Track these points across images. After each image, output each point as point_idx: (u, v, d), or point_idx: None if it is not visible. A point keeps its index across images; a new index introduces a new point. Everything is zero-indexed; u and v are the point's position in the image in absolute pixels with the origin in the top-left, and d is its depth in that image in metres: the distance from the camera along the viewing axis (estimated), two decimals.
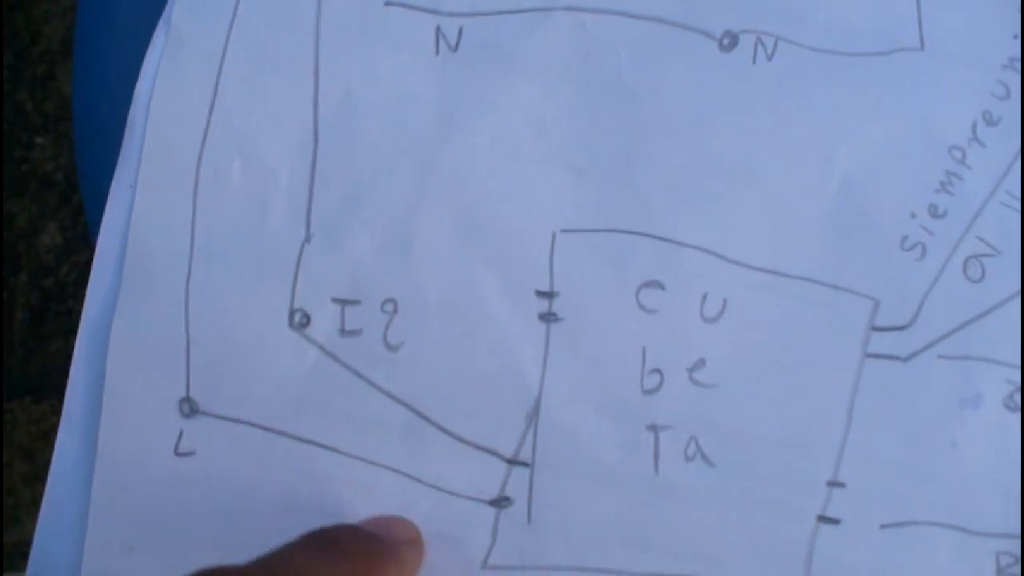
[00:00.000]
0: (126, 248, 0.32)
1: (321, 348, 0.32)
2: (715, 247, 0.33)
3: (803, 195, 0.33)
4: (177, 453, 0.32)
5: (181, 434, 0.32)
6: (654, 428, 0.32)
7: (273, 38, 0.33)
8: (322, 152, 0.33)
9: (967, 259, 0.33)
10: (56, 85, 0.66)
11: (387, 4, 0.34)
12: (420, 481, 0.32)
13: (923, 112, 0.33)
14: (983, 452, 0.32)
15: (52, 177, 0.61)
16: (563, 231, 0.33)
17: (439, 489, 0.32)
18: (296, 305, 0.32)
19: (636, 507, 0.32)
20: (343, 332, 0.32)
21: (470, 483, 0.32)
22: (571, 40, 0.33)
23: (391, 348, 0.32)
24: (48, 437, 0.53)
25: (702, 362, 0.32)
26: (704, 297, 0.32)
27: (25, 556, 0.32)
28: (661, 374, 0.32)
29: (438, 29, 0.33)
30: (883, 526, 0.32)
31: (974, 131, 0.33)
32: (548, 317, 0.32)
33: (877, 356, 0.32)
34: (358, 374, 0.32)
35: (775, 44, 0.33)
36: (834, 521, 0.32)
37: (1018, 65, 0.34)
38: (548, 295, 0.32)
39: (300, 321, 0.32)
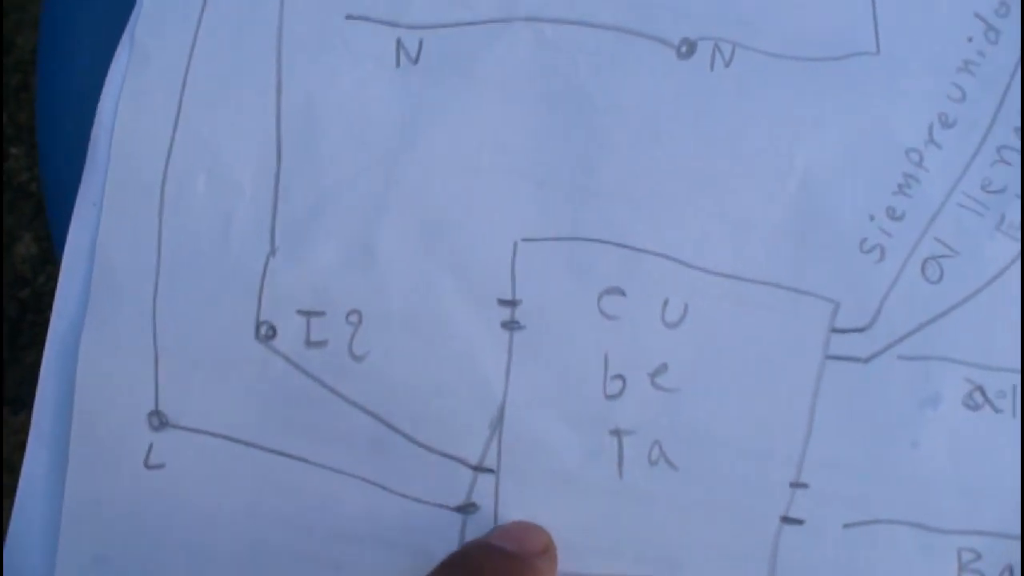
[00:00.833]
0: (93, 264, 0.33)
1: (287, 359, 0.33)
2: (675, 253, 0.33)
3: (762, 200, 0.33)
4: (147, 466, 0.32)
5: (151, 447, 0.33)
6: (617, 433, 0.33)
7: (236, 52, 0.34)
8: (285, 165, 0.33)
9: (925, 260, 0.33)
10: (29, 96, 0.66)
11: (348, 17, 0.34)
12: (387, 489, 0.33)
13: (880, 115, 0.34)
14: (943, 451, 0.33)
15: (27, 188, 0.61)
16: (524, 240, 0.33)
17: (406, 496, 0.33)
18: (262, 317, 0.33)
19: (601, 511, 0.33)
20: (309, 343, 0.33)
21: (437, 490, 0.33)
22: (530, 50, 0.34)
23: (357, 358, 0.33)
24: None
25: (664, 367, 0.33)
26: (665, 303, 0.33)
27: None
28: (624, 380, 0.33)
29: (399, 42, 0.34)
30: (846, 525, 0.33)
31: (931, 134, 0.34)
32: (511, 325, 0.33)
33: (838, 358, 0.33)
34: (324, 385, 0.32)
35: (733, 50, 0.34)
36: (798, 522, 0.32)
37: (973, 68, 0.34)
38: (511, 303, 0.33)
39: (266, 333, 0.33)
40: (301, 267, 0.33)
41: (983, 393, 0.33)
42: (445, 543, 0.32)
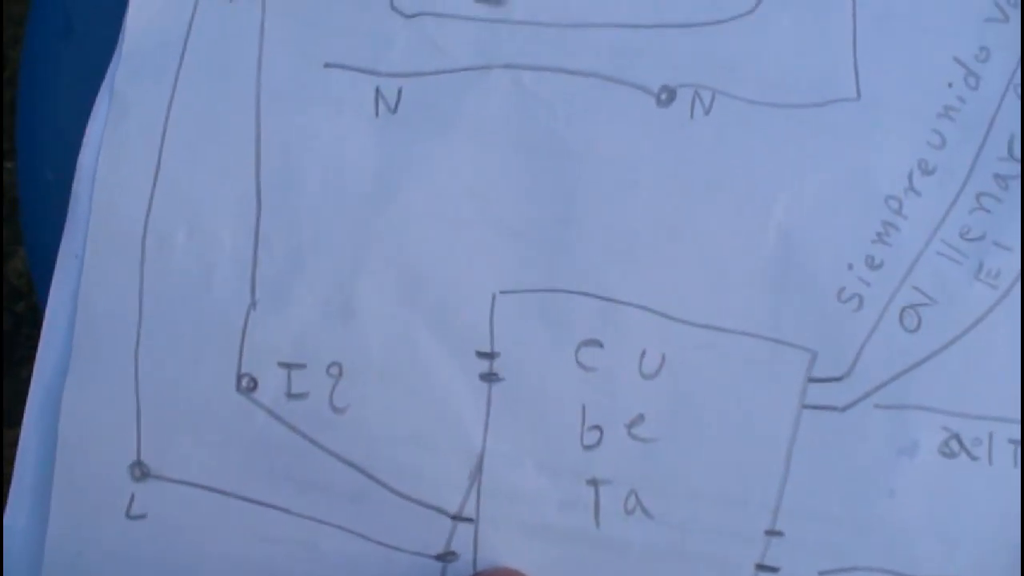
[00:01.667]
0: (75, 316, 0.33)
1: (269, 411, 0.33)
2: (652, 304, 0.33)
3: (741, 249, 0.33)
4: (129, 516, 0.33)
5: (133, 497, 0.33)
6: (594, 483, 0.33)
7: (214, 102, 0.34)
8: (265, 217, 0.33)
9: (903, 309, 0.33)
10: None
11: (326, 65, 0.34)
12: (367, 538, 0.33)
13: (860, 162, 0.34)
14: (920, 499, 0.33)
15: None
16: (502, 292, 0.33)
17: (386, 546, 0.33)
18: (243, 370, 0.33)
19: (578, 559, 0.33)
20: (290, 395, 0.33)
21: (417, 539, 0.33)
22: (509, 98, 0.34)
23: (337, 410, 0.33)
24: None
25: (641, 418, 0.33)
26: (642, 354, 0.33)
27: None
28: (601, 430, 0.33)
29: (377, 91, 0.34)
30: (822, 573, 0.33)
31: (910, 181, 0.34)
32: (489, 377, 0.33)
33: (814, 407, 0.33)
34: (305, 436, 0.33)
35: (712, 97, 0.34)
36: (772, 569, 0.33)
37: (953, 114, 0.34)
38: (489, 356, 0.33)
39: (247, 385, 0.33)
40: (281, 319, 0.33)
41: (959, 441, 0.33)
42: None
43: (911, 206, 0.34)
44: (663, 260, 0.33)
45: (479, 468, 0.33)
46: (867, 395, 0.33)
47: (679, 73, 0.34)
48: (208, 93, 0.34)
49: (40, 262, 0.34)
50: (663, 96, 0.34)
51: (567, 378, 0.33)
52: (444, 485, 0.33)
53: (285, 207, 0.33)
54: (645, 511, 0.33)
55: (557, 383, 0.33)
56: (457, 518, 0.33)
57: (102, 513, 0.33)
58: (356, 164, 0.33)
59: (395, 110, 0.34)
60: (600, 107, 0.34)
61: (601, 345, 0.33)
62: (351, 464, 0.33)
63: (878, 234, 0.34)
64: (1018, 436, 0.33)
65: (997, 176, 0.34)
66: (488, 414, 0.33)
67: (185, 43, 0.34)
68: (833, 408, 0.33)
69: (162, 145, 0.33)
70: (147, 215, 0.33)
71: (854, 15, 0.34)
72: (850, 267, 0.33)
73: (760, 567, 0.33)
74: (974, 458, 0.33)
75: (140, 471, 0.33)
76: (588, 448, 0.33)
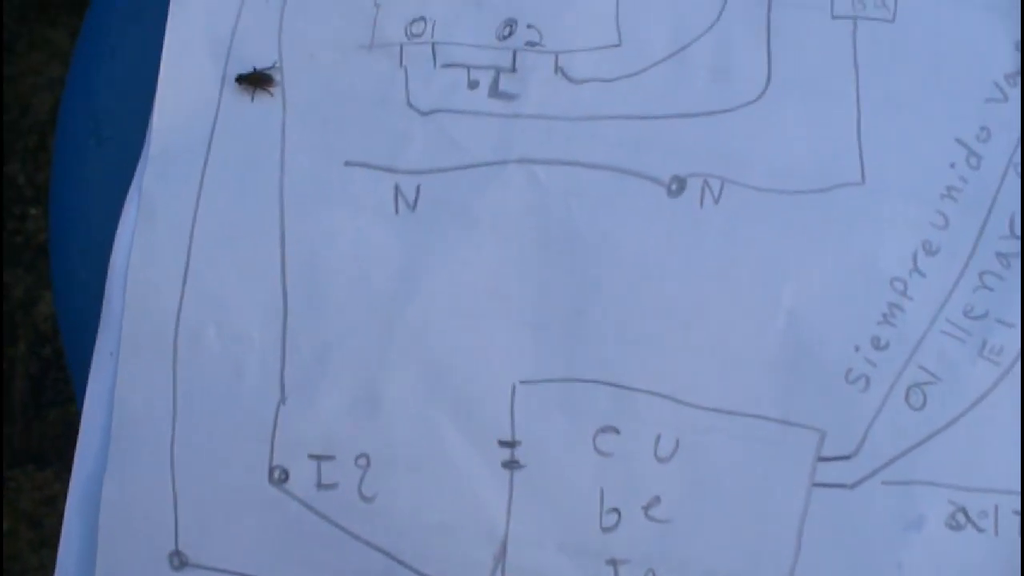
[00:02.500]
0: (112, 411, 0.34)
1: (301, 502, 0.34)
2: (666, 390, 0.34)
3: (750, 334, 0.34)
4: None
5: None
6: (613, 563, 0.34)
7: (239, 202, 0.35)
8: (292, 314, 0.34)
9: (909, 388, 0.34)
10: (47, 156, 0.67)
11: (347, 164, 0.35)
12: None
13: (866, 245, 0.35)
14: (928, 571, 0.34)
15: (47, 247, 0.62)
16: (522, 382, 0.34)
17: None
18: (275, 462, 0.34)
19: None
20: (320, 486, 0.34)
21: None
22: (524, 192, 0.35)
23: (366, 499, 0.34)
24: (53, 503, 0.55)
25: (657, 499, 0.34)
26: (657, 439, 0.34)
27: None
28: (619, 512, 0.34)
29: (396, 188, 0.35)
30: None
31: (915, 262, 0.35)
32: (511, 465, 0.34)
33: (824, 485, 0.34)
34: (336, 525, 0.34)
35: (721, 186, 0.35)
36: None
37: (956, 194, 0.35)
38: (510, 444, 0.34)
39: (279, 477, 0.34)
40: (310, 413, 0.34)
41: (966, 514, 0.34)
42: None
43: (916, 287, 0.35)
44: (676, 347, 0.34)
45: (503, 552, 0.34)
46: (875, 472, 0.34)
47: (689, 162, 0.35)
48: (233, 193, 0.35)
49: (77, 360, 0.36)
50: (674, 187, 0.35)
51: (586, 463, 0.34)
52: (470, 568, 0.34)
53: (310, 305, 0.34)
54: None
55: (576, 468, 0.34)
56: None
57: None
58: (378, 262, 0.35)
59: (414, 207, 0.35)
60: (613, 200, 0.35)
61: (618, 431, 0.34)
62: (380, 550, 0.34)
63: (884, 315, 0.35)
64: (1020, 507, 0.34)
65: (999, 254, 0.35)
66: (511, 500, 0.34)
67: (209, 144, 0.35)
68: (842, 486, 0.34)
69: (190, 245, 0.35)
70: (177, 315, 0.34)
71: (858, 100, 0.35)
72: (857, 349, 0.34)
73: None
74: (980, 530, 0.34)
75: (179, 560, 0.34)
76: (607, 530, 0.34)
